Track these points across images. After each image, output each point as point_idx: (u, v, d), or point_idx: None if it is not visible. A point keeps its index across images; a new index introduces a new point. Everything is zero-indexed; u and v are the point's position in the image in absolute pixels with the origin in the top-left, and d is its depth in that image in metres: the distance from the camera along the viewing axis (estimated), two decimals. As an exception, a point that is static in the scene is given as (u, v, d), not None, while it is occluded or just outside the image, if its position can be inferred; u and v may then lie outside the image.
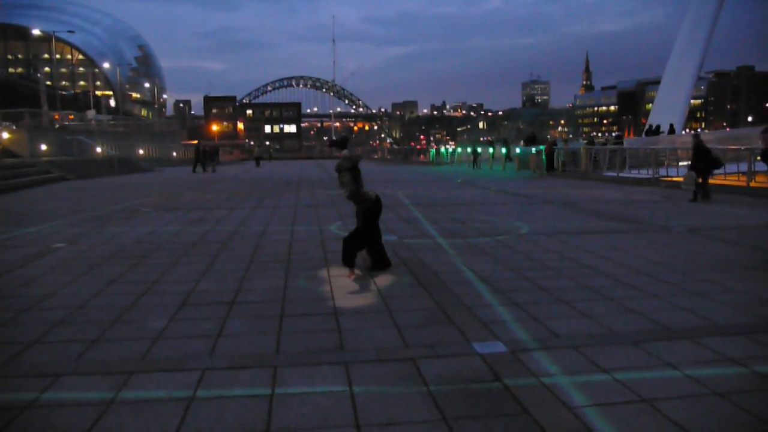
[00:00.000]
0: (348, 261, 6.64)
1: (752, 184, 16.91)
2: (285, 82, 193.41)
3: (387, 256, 7.00)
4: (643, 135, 37.92)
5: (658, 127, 37.22)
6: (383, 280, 6.46)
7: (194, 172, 36.00)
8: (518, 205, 14.64)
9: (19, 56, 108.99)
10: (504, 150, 36.36)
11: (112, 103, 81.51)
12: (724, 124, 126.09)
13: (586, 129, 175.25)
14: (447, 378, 3.79)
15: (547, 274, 6.74)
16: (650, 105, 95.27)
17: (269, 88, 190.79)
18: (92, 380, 3.86)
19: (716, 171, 15.73)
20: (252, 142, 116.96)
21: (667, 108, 40.76)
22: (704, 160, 14.66)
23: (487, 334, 4.63)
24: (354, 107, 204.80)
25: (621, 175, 23.29)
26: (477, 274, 6.73)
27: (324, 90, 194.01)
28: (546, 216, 12.28)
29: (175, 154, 61.68)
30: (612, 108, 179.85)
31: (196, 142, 45.75)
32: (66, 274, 6.96)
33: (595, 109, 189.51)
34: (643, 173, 22.58)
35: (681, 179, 16.19)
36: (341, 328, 4.84)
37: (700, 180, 14.64)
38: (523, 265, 7.23)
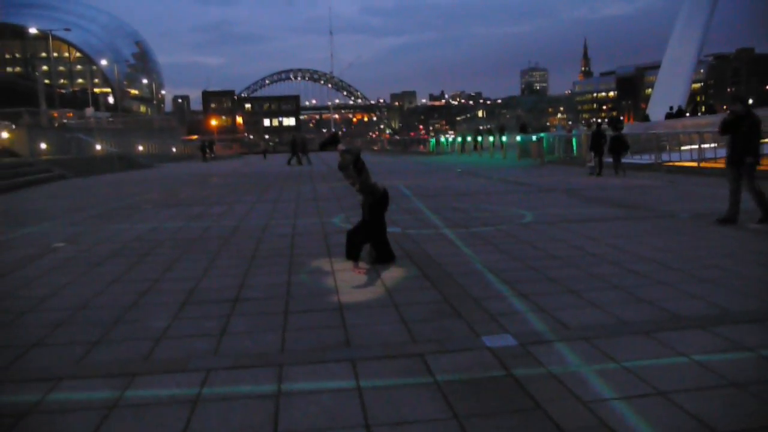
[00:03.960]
0: (352, 254, 6.55)
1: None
2: (283, 75, 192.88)
3: (391, 249, 6.91)
4: (664, 119, 37.42)
5: (680, 109, 36.79)
6: (388, 273, 6.37)
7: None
8: (520, 194, 14.53)
9: (17, 55, 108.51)
10: (504, 138, 36.19)
11: (111, 100, 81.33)
12: (725, 107, 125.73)
13: (585, 115, 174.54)
14: (456, 373, 3.71)
15: (553, 263, 6.65)
16: (649, 90, 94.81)
17: (267, 82, 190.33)
18: (95, 383, 3.79)
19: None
20: (251, 136, 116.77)
21: (668, 92, 40.51)
22: (617, 144, 19.23)
23: (495, 326, 4.54)
24: (352, 98, 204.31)
25: (622, 161, 23.14)
26: (482, 264, 6.65)
27: (322, 82, 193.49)
28: (549, 204, 12.18)
29: (174, 149, 61.57)
30: (611, 94, 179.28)
31: (195, 137, 45.92)
32: (67, 274, 6.88)
33: (594, 95, 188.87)
34: (645, 159, 22.44)
35: (685, 164, 16.51)
36: (347, 323, 4.76)
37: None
38: (528, 254, 7.14)
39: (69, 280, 6.60)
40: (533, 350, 4.04)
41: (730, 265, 6.23)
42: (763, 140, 10.81)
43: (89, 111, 55.75)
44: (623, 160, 19.87)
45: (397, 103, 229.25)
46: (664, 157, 21.48)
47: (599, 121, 45.62)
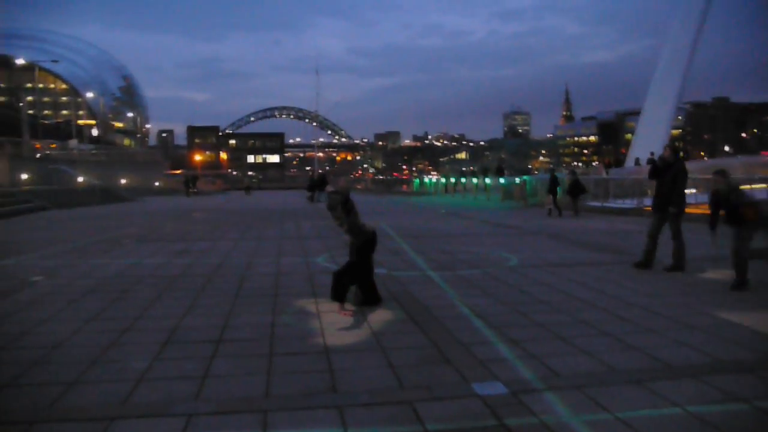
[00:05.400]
0: (338, 296, 6.43)
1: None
2: (268, 113, 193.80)
3: (377, 291, 6.82)
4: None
5: (651, 158, 37.41)
6: (374, 316, 6.27)
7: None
8: (505, 236, 14.55)
9: (2, 85, 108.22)
10: (487, 180, 36.50)
11: (95, 132, 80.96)
12: (702, 153, 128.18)
13: (566, 159, 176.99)
14: (447, 422, 3.61)
15: (540, 308, 6.59)
16: (629, 135, 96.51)
17: (252, 119, 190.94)
18: (70, 427, 3.64)
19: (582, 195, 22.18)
20: (235, 172, 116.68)
21: (649, 137, 41.21)
22: (575, 188, 21.57)
23: (485, 373, 4.45)
24: (337, 137, 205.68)
25: (605, 205, 23.38)
26: (470, 308, 6.57)
27: (307, 120, 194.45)
28: (533, 247, 12.19)
29: (157, 183, 61.25)
30: (592, 138, 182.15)
31: (179, 172, 46.08)
32: (43, 310, 6.68)
33: (576, 139, 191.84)
34: (628, 203, 22.67)
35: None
36: (333, 367, 4.64)
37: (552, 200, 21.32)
38: (515, 298, 7.09)
39: (46, 316, 6.41)
40: (524, 399, 3.95)
41: (718, 312, 6.21)
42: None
43: (73, 142, 55.48)
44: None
45: (380, 143, 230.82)
46: (647, 201, 21.70)
47: (552, 166, 50.42)
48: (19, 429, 3.56)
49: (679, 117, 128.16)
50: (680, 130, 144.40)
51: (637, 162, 37.21)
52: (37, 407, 3.93)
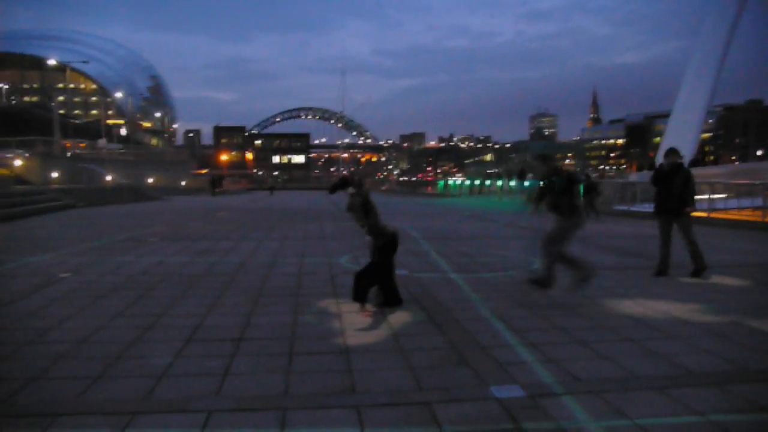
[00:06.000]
0: (359, 297, 6.47)
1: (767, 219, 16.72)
2: (294, 113, 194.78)
3: (399, 292, 6.83)
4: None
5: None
6: (395, 317, 6.28)
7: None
8: (528, 239, 14.45)
9: (35, 85, 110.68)
10: (512, 182, 36.31)
11: (123, 132, 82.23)
12: (733, 158, 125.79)
13: (593, 162, 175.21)
14: (464, 425, 3.61)
15: (562, 312, 6.55)
16: (658, 138, 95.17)
17: (278, 119, 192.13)
18: (94, 420, 3.71)
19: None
20: (260, 172, 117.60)
21: (678, 141, 40.61)
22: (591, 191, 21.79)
23: (504, 376, 4.44)
24: (362, 138, 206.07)
25: (632, 209, 23.10)
26: (490, 311, 6.56)
27: (332, 121, 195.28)
28: (558, 250, 12.07)
29: (183, 183, 61.98)
30: (620, 141, 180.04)
31: (205, 171, 46.77)
32: (70, 306, 6.82)
33: (603, 142, 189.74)
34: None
35: (695, 214, 16.67)
36: (352, 367, 4.66)
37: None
38: (537, 302, 7.05)
39: (72, 312, 6.54)
40: (542, 403, 3.94)
41: (745, 320, 6.11)
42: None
43: (101, 142, 56.37)
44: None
45: (406, 144, 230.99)
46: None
47: (578, 169, 50.87)
48: (46, 421, 3.65)
49: (710, 120, 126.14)
50: (711, 134, 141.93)
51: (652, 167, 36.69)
52: (63, 400, 4.02)
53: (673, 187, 8.77)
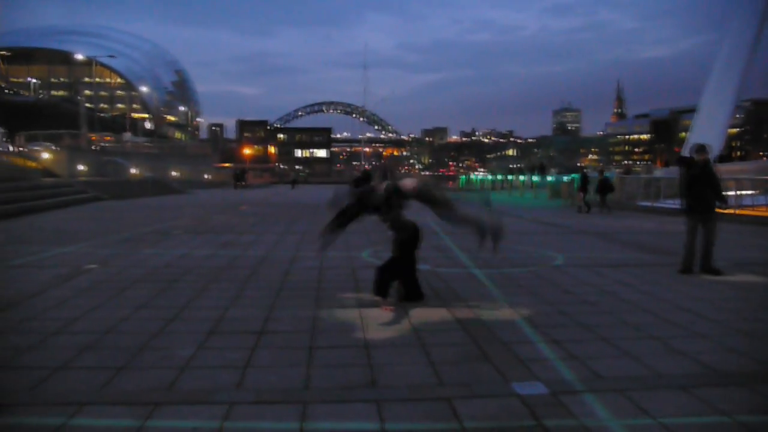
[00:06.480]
0: (380, 291, 6.47)
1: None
2: (316, 107, 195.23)
3: (420, 287, 6.82)
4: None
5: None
6: (416, 311, 6.28)
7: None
8: (551, 235, 14.35)
9: (62, 80, 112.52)
10: (534, 178, 36.05)
11: (148, 125, 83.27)
12: (761, 153, 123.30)
13: (617, 157, 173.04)
14: (485, 420, 3.59)
15: (585, 308, 6.49)
16: (684, 134, 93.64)
17: (301, 113, 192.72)
18: (118, 410, 3.76)
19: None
20: (283, 166, 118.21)
21: (705, 136, 39.93)
22: (603, 187, 22.49)
23: (525, 373, 4.41)
24: (384, 133, 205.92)
25: (656, 205, 22.80)
26: (512, 307, 6.51)
27: (354, 115, 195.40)
28: (580, 246, 11.99)
29: (207, 176, 62.51)
30: (644, 136, 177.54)
31: (228, 165, 47.44)
32: (96, 297, 6.92)
33: (627, 137, 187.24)
34: (679, 203, 22.01)
35: (721, 210, 16.34)
36: (373, 362, 4.67)
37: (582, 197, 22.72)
38: (559, 298, 6.99)
39: (98, 302, 6.64)
40: (565, 400, 3.90)
41: (772, 319, 6.00)
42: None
43: (127, 135, 57.19)
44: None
45: (428, 139, 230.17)
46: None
47: (584, 166, 51.52)
48: (71, 410, 3.71)
49: (738, 115, 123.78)
50: (739, 129, 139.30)
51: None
52: (88, 389, 4.08)
53: (702, 186, 8.62)
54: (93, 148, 47.49)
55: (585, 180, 23.28)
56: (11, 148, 40.37)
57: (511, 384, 4.18)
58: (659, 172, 33.54)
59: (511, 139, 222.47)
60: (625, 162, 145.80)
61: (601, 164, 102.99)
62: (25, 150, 39.21)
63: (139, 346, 5.04)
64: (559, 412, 3.72)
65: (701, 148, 8.81)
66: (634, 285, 7.78)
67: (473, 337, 5.35)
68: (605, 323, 5.86)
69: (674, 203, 22.44)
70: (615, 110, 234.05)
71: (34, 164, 34.21)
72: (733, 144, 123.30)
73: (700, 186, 8.65)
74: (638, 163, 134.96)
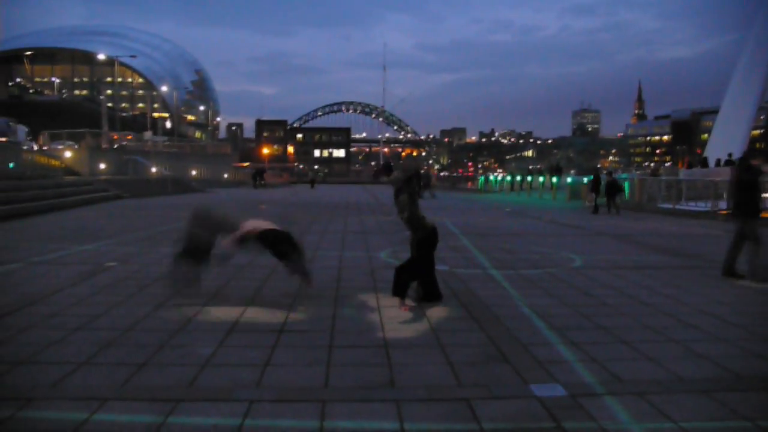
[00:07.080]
0: (399, 292, 6.48)
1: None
2: (335, 107, 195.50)
3: (438, 288, 6.82)
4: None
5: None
6: (434, 312, 6.28)
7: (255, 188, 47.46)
8: (570, 236, 14.26)
9: (85, 79, 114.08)
10: (554, 179, 35.82)
11: (168, 124, 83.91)
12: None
13: (637, 159, 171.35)
14: (504, 422, 3.59)
15: (604, 311, 6.44)
16: (705, 135, 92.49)
17: (319, 113, 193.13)
18: (139, 406, 3.81)
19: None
20: (301, 166, 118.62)
21: (726, 138, 39.38)
22: (611, 188, 22.54)
23: (544, 375, 4.39)
24: (402, 133, 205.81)
25: (677, 207, 22.55)
26: (531, 308, 6.49)
27: (373, 115, 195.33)
28: (599, 248, 11.90)
29: (226, 175, 62.90)
30: (665, 138, 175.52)
31: (246, 165, 47.98)
32: (117, 294, 7.01)
33: (648, 138, 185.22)
34: (701, 206, 21.79)
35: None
36: (392, 362, 4.68)
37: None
38: (578, 300, 6.95)
39: (119, 300, 6.72)
40: (584, 403, 3.88)
41: (795, 324, 5.92)
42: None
43: (147, 134, 57.67)
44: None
45: (446, 139, 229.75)
46: (722, 204, 20.78)
47: (598, 167, 51.67)
48: (94, 404, 3.76)
49: (761, 116, 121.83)
50: (762, 130, 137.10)
51: (717, 163, 35.59)
52: (109, 385, 4.14)
53: (753, 190, 8.50)
54: (114, 146, 48.01)
55: (597, 181, 23.49)
56: (35, 147, 41.01)
57: (530, 386, 4.16)
58: (682, 173, 33.07)
59: (531, 140, 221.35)
60: (648, 163, 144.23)
61: (608, 166, 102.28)
62: (48, 148, 39.81)
63: (159, 343, 5.09)
64: (578, 415, 3.70)
65: (750, 155, 8.79)
66: (655, 288, 7.71)
67: (492, 338, 5.34)
68: (625, 326, 5.82)
69: (696, 205, 22.21)
70: (635, 111, 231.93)
71: (56, 162, 34.71)
72: (757, 146, 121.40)
73: (754, 190, 8.54)
74: (664, 164, 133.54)
